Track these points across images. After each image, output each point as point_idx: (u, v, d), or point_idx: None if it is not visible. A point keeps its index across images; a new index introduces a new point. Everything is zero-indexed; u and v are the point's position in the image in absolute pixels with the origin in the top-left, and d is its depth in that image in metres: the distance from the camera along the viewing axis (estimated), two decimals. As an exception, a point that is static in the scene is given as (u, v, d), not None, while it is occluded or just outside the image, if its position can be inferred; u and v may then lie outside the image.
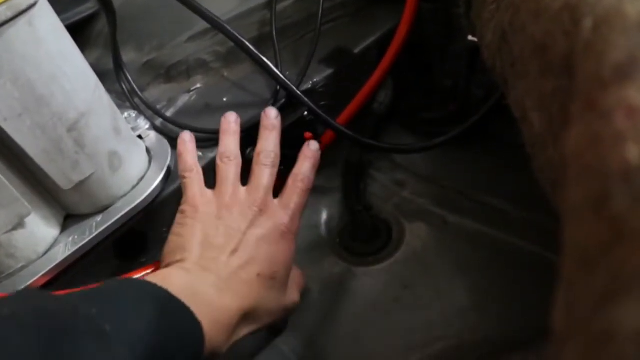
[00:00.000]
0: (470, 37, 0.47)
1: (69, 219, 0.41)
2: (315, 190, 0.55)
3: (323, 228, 0.52)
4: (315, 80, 0.51)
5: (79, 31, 0.60)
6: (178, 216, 0.40)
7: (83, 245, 0.39)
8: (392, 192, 0.53)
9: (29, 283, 0.37)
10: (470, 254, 0.45)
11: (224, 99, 0.53)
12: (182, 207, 0.40)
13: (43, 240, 0.38)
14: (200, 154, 0.48)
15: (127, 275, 0.41)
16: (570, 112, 0.17)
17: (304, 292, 0.45)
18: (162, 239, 0.47)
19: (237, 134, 0.44)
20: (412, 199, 0.51)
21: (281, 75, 0.47)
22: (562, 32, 0.19)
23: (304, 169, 0.43)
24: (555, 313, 0.13)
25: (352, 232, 0.50)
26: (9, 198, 0.34)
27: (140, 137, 0.47)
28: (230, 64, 0.57)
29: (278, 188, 0.44)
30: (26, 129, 0.33)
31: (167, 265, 0.37)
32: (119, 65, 0.55)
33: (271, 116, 0.44)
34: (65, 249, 0.38)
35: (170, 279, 0.34)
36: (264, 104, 0.50)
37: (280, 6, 0.54)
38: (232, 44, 0.48)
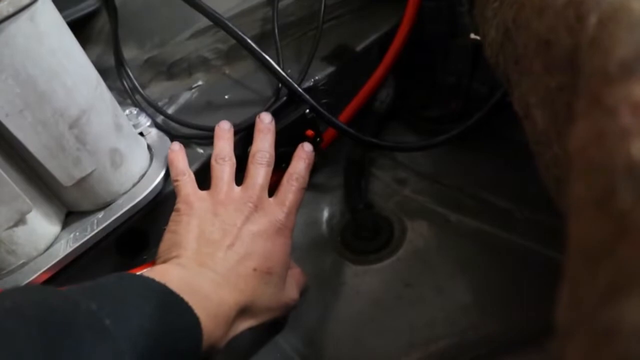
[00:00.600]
0: (472, 35, 0.47)
1: (70, 216, 0.41)
2: (317, 188, 0.55)
3: (324, 226, 0.52)
4: (317, 78, 0.51)
5: (81, 28, 0.60)
6: (173, 214, 0.40)
7: (84, 242, 0.39)
8: (393, 190, 0.53)
9: (30, 280, 0.37)
10: (472, 252, 0.45)
11: (226, 97, 0.53)
12: (177, 205, 0.41)
13: (44, 237, 0.38)
14: (201, 150, 0.48)
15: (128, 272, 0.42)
16: (575, 109, 0.17)
17: (305, 290, 0.45)
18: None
19: (231, 139, 0.45)
20: (413, 197, 0.51)
21: (283, 73, 0.47)
22: (567, 28, 0.19)
23: (298, 169, 0.44)
24: (559, 309, 0.13)
25: (353, 230, 0.50)
26: (10, 194, 0.34)
27: (141, 134, 0.47)
28: (232, 62, 0.57)
29: (277, 187, 0.44)
30: (27, 125, 0.32)
31: (163, 262, 0.37)
32: (120, 62, 0.55)
33: (265, 120, 0.45)
34: (66, 246, 0.38)
35: (167, 274, 0.34)
36: (266, 102, 0.50)
37: (282, 3, 0.54)
38: (233, 41, 0.48)
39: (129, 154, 0.41)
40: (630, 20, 0.14)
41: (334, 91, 0.52)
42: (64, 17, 0.35)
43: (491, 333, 0.38)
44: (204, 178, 0.47)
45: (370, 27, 0.55)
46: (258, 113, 0.48)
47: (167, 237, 0.39)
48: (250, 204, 0.40)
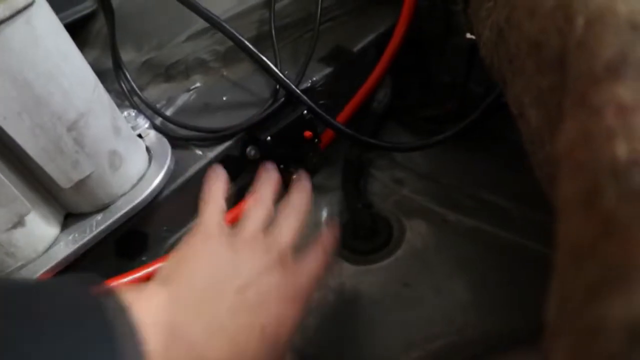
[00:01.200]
0: (468, 35, 0.48)
1: (69, 218, 0.42)
2: (315, 189, 0.54)
3: (323, 226, 0.52)
4: (314, 79, 0.51)
5: (77, 30, 0.60)
6: (188, 235, 0.35)
7: (83, 244, 0.39)
8: (391, 190, 0.53)
9: (29, 282, 0.37)
10: (471, 251, 0.45)
11: (224, 98, 0.53)
12: (196, 226, 0.35)
13: (43, 239, 0.38)
14: (199, 152, 0.48)
15: (126, 275, 0.42)
16: (564, 109, 0.17)
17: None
18: (162, 238, 0.48)
19: (275, 187, 0.42)
20: (412, 197, 0.51)
21: (280, 74, 0.47)
22: (556, 30, 0.19)
23: (326, 242, 0.39)
24: (548, 307, 0.14)
25: (352, 230, 0.50)
26: (9, 196, 0.34)
27: (140, 136, 0.47)
28: (230, 63, 0.57)
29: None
30: (25, 128, 0.33)
31: (157, 283, 0.31)
32: (118, 64, 0.55)
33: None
34: (65, 248, 0.38)
35: (148, 300, 0.28)
36: (263, 103, 0.50)
37: (279, 5, 0.54)
38: (231, 43, 0.48)
39: (128, 156, 0.41)
40: (617, 22, 0.14)
41: (332, 92, 0.53)
42: (61, 20, 0.35)
43: (489, 332, 0.38)
44: (203, 179, 0.48)
45: (367, 27, 0.55)
46: (256, 114, 0.48)
47: (173, 257, 0.34)
48: (275, 255, 0.34)
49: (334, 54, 0.53)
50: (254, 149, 0.48)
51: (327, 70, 0.52)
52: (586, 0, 0.16)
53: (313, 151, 0.50)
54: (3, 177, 0.34)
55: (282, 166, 0.49)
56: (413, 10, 0.50)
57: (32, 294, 0.25)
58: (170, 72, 0.57)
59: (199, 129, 0.49)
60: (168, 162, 0.45)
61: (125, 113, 0.48)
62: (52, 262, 0.38)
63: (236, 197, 0.50)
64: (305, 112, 0.48)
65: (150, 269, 0.43)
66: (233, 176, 0.50)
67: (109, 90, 0.42)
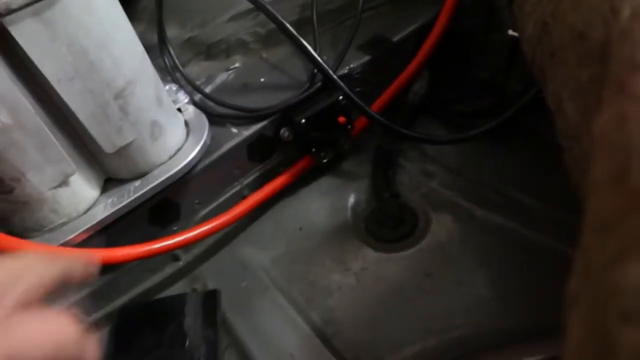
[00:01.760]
0: (510, 32, 0.47)
1: (108, 182, 0.43)
2: (344, 175, 0.56)
3: (349, 212, 0.52)
4: (352, 66, 0.52)
5: (125, 5, 0.62)
6: None
7: (121, 208, 0.41)
8: (420, 182, 0.53)
9: (68, 238, 0.39)
10: (495, 247, 0.45)
11: (261, 79, 0.54)
12: None
13: (84, 200, 0.40)
14: (235, 130, 0.49)
15: (157, 242, 0.43)
16: (603, 98, 0.17)
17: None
18: (194, 210, 0.49)
19: None
20: (440, 190, 0.52)
21: (319, 59, 0.48)
22: (601, 20, 0.19)
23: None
24: (571, 280, 0.14)
25: (378, 218, 0.51)
26: (57, 156, 0.36)
27: (179, 110, 0.49)
28: (269, 46, 0.58)
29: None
30: (77, 92, 0.34)
31: None
32: (162, 40, 0.57)
33: None
34: (104, 210, 0.40)
35: None
36: (300, 86, 0.51)
37: (322, -9, 0.55)
38: (272, 25, 0.49)
39: (168, 127, 0.43)
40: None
41: (368, 80, 0.53)
42: (114, -7, 0.37)
43: (508, 325, 0.38)
44: (238, 156, 0.49)
45: (408, 18, 0.55)
46: (292, 97, 0.49)
47: None
48: None
49: (373, 42, 0.54)
50: (287, 131, 0.49)
51: (366, 58, 0.52)
52: (634, -9, 0.17)
53: (345, 137, 0.51)
54: (53, 138, 0.36)
55: (314, 149, 0.50)
56: (456, 3, 0.50)
57: None
58: (212, 51, 0.58)
59: (236, 107, 0.50)
60: (205, 137, 0.46)
61: (167, 87, 0.50)
62: (91, 222, 0.39)
63: (267, 177, 0.52)
64: (341, 97, 0.48)
65: (179, 239, 0.45)
66: (265, 156, 0.52)
67: (152, 64, 0.43)
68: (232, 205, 0.48)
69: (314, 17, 0.54)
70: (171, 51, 0.56)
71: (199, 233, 0.46)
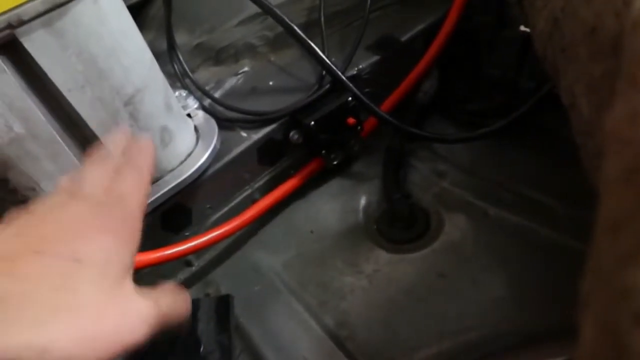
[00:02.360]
0: (522, 28, 0.47)
1: (120, 189, 0.44)
2: (355, 176, 0.55)
3: (361, 214, 0.52)
4: (360, 66, 0.52)
5: (134, 14, 0.63)
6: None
7: (133, 214, 0.41)
8: (432, 182, 0.52)
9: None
10: (510, 247, 0.44)
11: (270, 83, 0.54)
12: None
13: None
14: (244, 134, 0.49)
15: (171, 247, 0.44)
16: (616, 92, 0.17)
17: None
18: (206, 215, 0.49)
19: None
20: (452, 189, 0.51)
21: (327, 61, 0.47)
22: (613, 14, 0.19)
23: (140, 160, 0.34)
24: (583, 281, 0.14)
25: (389, 219, 0.50)
26: (70, 165, 0.36)
27: (189, 115, 0.49)
28: (278, 49, 0.58)
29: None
30: (87, 101, 0.35)
31: None
32: (172, 46, 0.57)
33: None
34: (116, 217, 0.40)
35: None
36: (309, 89, 0.51)
37: (329, -7, 0.55)
38: (280, 29, 0.49)
39: (178, 133, 0.43)
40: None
41: (377, 80, 0.53)
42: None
43: (524, 326, 0.38)
44: (248, 159, 0.49)
45: (416, 17, 0.55)
46: (301, 99, 0.49)
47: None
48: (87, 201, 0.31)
49: (382, 42, 0.54)
50: (297, 133, 0.49)
51: (374, 58, 0.52)
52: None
53: (355, 138, 0.51)
54: (65, 147, 0.36)
55: (323, 152, 0.50)
56: (466, 2, 0.50)
57: None
58: (220, 56, 0.59)
59: (245, 111, 0.50)
60: (214, 141, 0.47)
61: (177, 93, 0.50)
62: (104, 229, 0.40)
63: (277, 180, 0.52)
64: (350, 99, 0.48)
65: (192, 244, 0.45)
66: (274, 159, 0.52)
67: (162, 71, 0.43)
68: (243, 209, 0.48)
69: (322, 19, 0.54)
70: (180, 57, 0.57)
71: (211, 238, 0.46)
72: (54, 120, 0.36)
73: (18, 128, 0.33)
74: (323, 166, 0.52)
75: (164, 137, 0.42)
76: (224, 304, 0.42)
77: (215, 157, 0.47)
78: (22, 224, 0.27)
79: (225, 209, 0.51)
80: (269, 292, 0.47)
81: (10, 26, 0.30)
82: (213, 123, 0.49)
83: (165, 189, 0.42)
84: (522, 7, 0.39)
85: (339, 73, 0.48)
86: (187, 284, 0.50)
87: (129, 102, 0.37)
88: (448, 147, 0.55)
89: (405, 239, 0.48)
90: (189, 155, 0.45)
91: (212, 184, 0.48)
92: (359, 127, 0.50)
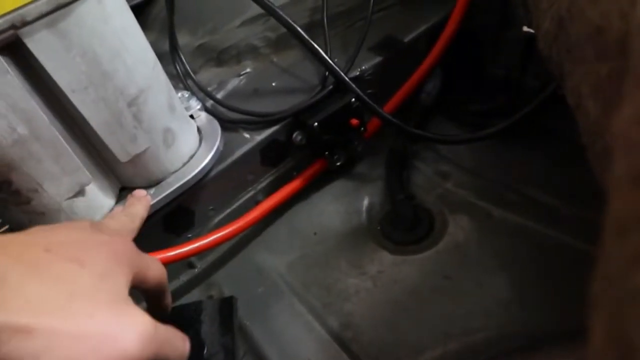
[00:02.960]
0: (525, 28, 0.47)
1: (123, 191, 0.44)
2: (358, 178, 0.55)
3: (364, 215, 0.52)
4: (363, 67, 0.52)
5: (137, 14, 0.63)
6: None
7: (136, 216, 0.40)
8: (435, 183, 0.52)
9: (86, 248, 0.39)
10: (514, 247, 0.44)
11: (273, 84, 0.54)
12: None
13: (100, 209, 0.41)
14: (247, 135, 0.49)
15: (172, 249, 0.44)
16: (623, 93, 0.17)
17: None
18: (208, 217, 0.49)
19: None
20: (456, 190, 0.51)
21: (330, 61, 0.47)
22: (619, 14, 0.18)
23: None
24: (592, 283, 0.14)
25: (393, 220, 0.50)
26: (73, 166, 0.36)
27: (192, 117, 0.49)
28: (280, 50, 0.58)
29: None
30: (91, 102, 0.35)
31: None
32: (174, 47, 0.57)
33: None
34: (119, 218, 0.40)
35: None
36: (312, 90, 0.51)
37: (332, -6, 0.55)
38: (282, 30, 0.49)
39: (181, 135, 0.43)
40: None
41: (380, 81, 0.53)
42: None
43: (530, 328, 0.38)
44: (251, 161, 0.49)
45: (419, 18, 0.54)
46: (304, 100, 0.49)
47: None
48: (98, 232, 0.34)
49: (385, 43, 0.53)
50: (300, 134, 0.49)
51: (377, 59, 0.52)
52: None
53: (358, 139, 0.51)
54: (68, 148, 0.36)
55: (327, 153, 0.50)
56: (469, 2, 0.50)
57: None
58: (222, 57, 0.59)
59: (248, 112, 0.50)
60: (217, 143, 0.46)
61: (179, 94, 0.50)
62: (107, 231, 0.39)
63: (281, 181, 0.51)
64: (353, 100, 0.48)
65: (194, 246, 0.45)
66: (278, 161, 0.52)
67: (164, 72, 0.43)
68: (246, 211, 0.48)
69: (325, 20, 0.54)
70: (183, 58, 0.57)
71: (214, 240, 0.46)
72: (57, 122, 0.36)
73: (21, 129, 0.33)
74: (326, 167, 0.52)
75: (167, 138, 0.41)
76: (227, 306, 0.42)
77: (219, 158, 0.47)
78: (36, 231, 0.29)
79: (228, 210, 0.50)
80: (273, 293, 0.47)
81: (13, 27, 0.30)
82: (216, 124, 0.49)
83: (168, 191, 0.42)
84: (527, 7, 0.39)
85: (342, 74, 0.48)
86: (189, 285, 0.50)
87: (132, 102, 0.37)
88: (451, 148, 0.54)
89: (409, 240, 0.48)
90: (192, 156, 0.45)
91: (215, 186, 0.48)
92: (362, 128, 0.50)
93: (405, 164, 0.54)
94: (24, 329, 0.23)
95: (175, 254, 0.44)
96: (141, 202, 0.40)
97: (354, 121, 0.49)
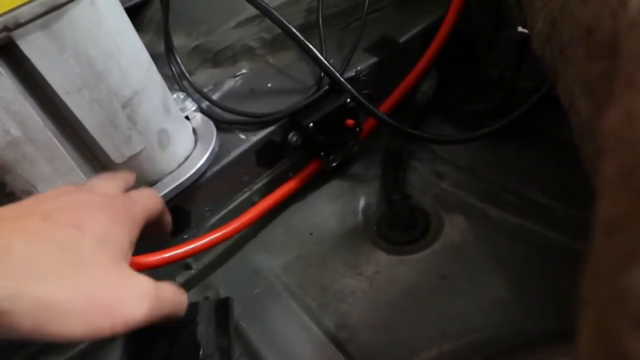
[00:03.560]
0: (520, 28, 0.47)
1: (119, 193, 0.43)
2: (354, 178, 0.55)
3: (360, 215, 0.52)
4: (359, 68, 0.52)
5: (132, 16, 0.62)
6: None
7: (131, 217, 0.40)
8: (431, 183, 0.52)
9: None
10: (511, 248, 0.44)
11: (269, 85, 0.54)
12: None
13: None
14: (243, 136, 0.49)
15: (168, 250, 0.44)
16: (613, 93, 0.17)
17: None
18: (204, 218, 0.49)
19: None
20: (452, 190, 0.51)
21: (326, 62, 0.47)
22: (609, 14, 0.18)
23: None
24: (582, 283, 0.14)
25: (389, 220, 0.50)
26: (67, 168, 0.36)
27: (187, 118, 0.49)
28: (276, 51, 0.58)
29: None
30: (85, 103, 0.35)
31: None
32: (170, 49, 0.57)
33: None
34: (114, 220, 0.40)
35: None
36: (308, 90, 0.51)
37: (327, -6, 0.55)
38: (278, 31, 0.49)
39: (176, 136, 0.43)
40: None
41: (376, 82, 0.53)
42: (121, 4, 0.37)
43: (527, 328, 0.38)
44: (246, 162, 0.49)
45: (414, 18, 0.55)
46: (299, 101, 0.49)
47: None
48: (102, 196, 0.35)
49: (380, 44, 0.53)
50: (296, 135, 0.49)
51: (372, 60, 0.52)
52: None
53: (354, 140, 0.51)
54: (63, 150, 0.36)
55: (322, 153, 0.50)
56: (463, 3, 0.50)
57: None
58: (218, 58, 0.59)
59: (243, 113, 0.50)
60: (213, 144, 0.46)
61: (175, 95, 0.50)
62: (102, 233, 0.39)
63: (276, 182, 0.51)
64: (349, 100, 0.48)
65: (190, 247, 0.45)
66: (273, 161, 0.52)
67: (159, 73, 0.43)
68: (242, 212, 0.48)
69: (320, 20, 0.54)
70: (178, 59, 0.57)
71: (210, 240, 0.46)
72: (51, 124, 0.36)
73: (15, 131, 0.33)
74: (322, 168, 0.52)
75: (162, 139, 0.41)
76: (223, 307, 0.42)
77: (214, 159, 0.47)
78: (32, 200, 0.30)
79: (224, 211, 0.50)
80: (269, 294, 0.47)
81: (6, 29, 0.30)
82: (211, 125, 0.49)
83: (164, 192, 0.42)
84: (521, 7, 0.39)
85: (338, 75, 0.48)
86: (186, 287, 0.50)
87: (126, 104, 0.37)
88: (447, 148, 0.54)
89: (405, 240, 0.48)
90: (188, 157, 0.45)
91: (211, 187, 0.48)
92: (357, 129, 0.50)
93: (401, 164, 0.54)
94: (38, 298, 0.23)
95: (171, 255, 0.44)
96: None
97: (350, 122, 0.49)
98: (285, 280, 0.48)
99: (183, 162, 0.44)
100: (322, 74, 0.51)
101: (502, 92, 0.51)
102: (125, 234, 0.30)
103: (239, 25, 0.57)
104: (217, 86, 0.56)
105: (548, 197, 0.46)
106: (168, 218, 0.39)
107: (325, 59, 0.48)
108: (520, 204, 0.47)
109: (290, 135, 0.49)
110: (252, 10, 0.52)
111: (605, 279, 0.13)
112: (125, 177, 0.38)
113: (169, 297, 0.30)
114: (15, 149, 0.33)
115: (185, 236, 0.48)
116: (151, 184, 0.43)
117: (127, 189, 0.37)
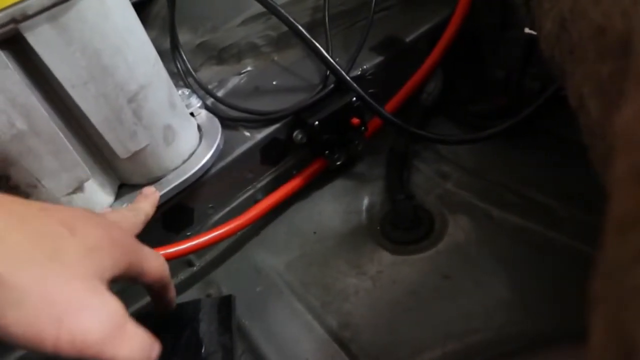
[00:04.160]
0: (527, 30, 0.47)
1: (123, 188, 0.43)
2: (358, 177, 0.55)
3: (364, 215, 0.52)
4: (365, 67, 0.52)
5: (137, 12, 0.62)
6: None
7: (135, 213, 0.40)
8: (436, 184, 0.52)
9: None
10: (514, 248, 0.44)
11: (273, 82, 0.54)
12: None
13: (99, 205, 0.40)
14: (247, 133, 0.49)
15: (171, 246, 0.43)
16: (625, 92, 0.17)
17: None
18: (207, 215, 0.49)
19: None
20: (456, 191, 0.51)
21: (332, 60, 0.47)
22: (621, 13, 0.18)
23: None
24: (593, 281, 0.14)
25: (393, 220, 0.50)
26: (72, 162, 0.36)
27: (192, 114, 0.49)
28: (281, 49, 0.58)
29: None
30: (91, 97, 0.34)
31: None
32: (175, 45, 0.57)
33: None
34: (118, 215, 0.40)
35: None
36: (313, 89, 0.51)
37: (334, -7, 0.55)
38: (283, 28, 0.49)
39: (181, 132, 0.43)
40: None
41: (381, 81, 0.53)
42: (128, 0, 0.37)
43: (529, 329, 0.38)
44: (251, 159, 0.49)
45: (421, 18, 0.54)
46: (305, 99, 0.49)
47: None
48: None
49: (386, 43, 0.53)
50: (300, 133, 0.49)
51: (378, 59, 0.52)
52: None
53: (359, 138, 0.51)
54: (68, 144, 0.36)
55: (327, 152, 0.50)
56: (470, 3, 0.50)
57: None
58: (223, 55, 0.58)
59: (248, 111, 0.50)
60: (218, 141, 0.46)
61: (180, 92, 0.50)
62: (106, 228, 0.39)
63: (280, 180, 0.51)
64: (354, 99, 0.48)
65: (193, 243, 0.45)
66: (277, 159, 0.51)
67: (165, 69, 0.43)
68: (246, 209, 0.48)
69: (326, 19, 0.53)
70: (183, 56, 0.57)
71: (213, 237, 0.45)
72: (56, 117, 0.35)
73: (20, 124, 0.33)
74: (326, 166, 0.52)
75: (167, 135, 0.41)
76: (225, 305, 0.42)
77: (218, 156, 0.47)
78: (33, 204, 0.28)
79: (228, 209, 0.50)
80: (271, 292, 0.47)
81: (14, 21, 0.30)
82: (216, 122, 0.49)
83: (168, 188, 0.42)
84: (529, 8, 0.39)
85: (344, 73, 0.47)
86: (188, 284, 0.50)
87: (132, 99, 0.37)
88: (452, 148, 0.54)
89: (408, 240, 0.48)
90: (192, 154, 0.45)
91: (215, 184, 0.48)
92: (362, 128, 0.50)
93: (405, 164, 0.54)
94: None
95: (174, 251, 0.44)
96: (148, 199, 0.39)
97: (355, 120, 0.49)
98: (287, 279, 0.47)
99: (187, 159, 0.44)
100: (328, 73, 0.50)
101: (507, 93, 0.51)
102: (111, 259, 0.28)
103: (244, 22, 0.57)
104: (222, 83, 0.56)
105: (551, 198, 0.46)
106: (172, 293, 0.35)
107: (332, 58, 0.47)
108: (524, 204, 0.47)
109: (295, 134, 0.49)
110: (257, 8, 0.51)
111: (618, 275, 0.13)
112: (144, 209, 0.37)
113: (134, 338, 0.26)
114: (20, 142, 0.33)
115: (188, 233, 0.48)
116: (155, 180, 0.43)
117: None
